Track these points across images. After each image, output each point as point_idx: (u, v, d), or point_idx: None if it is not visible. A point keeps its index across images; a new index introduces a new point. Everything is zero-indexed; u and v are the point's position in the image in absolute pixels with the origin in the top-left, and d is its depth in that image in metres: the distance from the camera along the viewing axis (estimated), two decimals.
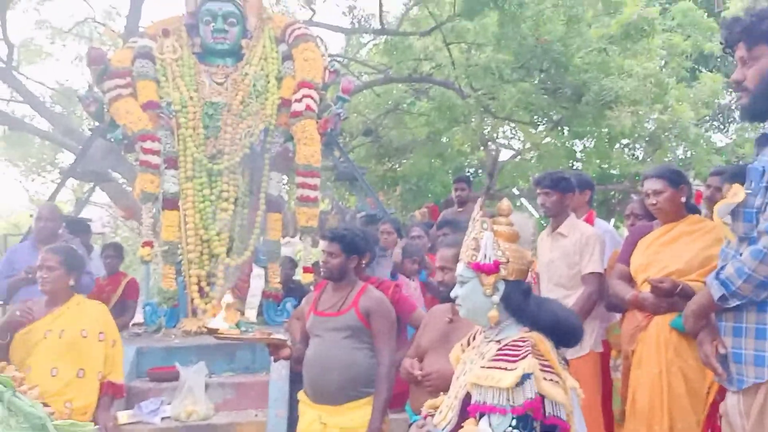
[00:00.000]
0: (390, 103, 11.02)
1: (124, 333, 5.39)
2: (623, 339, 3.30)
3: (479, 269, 1.97)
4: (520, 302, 1.95)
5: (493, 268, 1.95)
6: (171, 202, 5.39)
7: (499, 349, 1.91)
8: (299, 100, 5.60)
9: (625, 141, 11.06)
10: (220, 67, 5.81)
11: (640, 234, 3.41)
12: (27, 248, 5.01)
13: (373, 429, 3.20)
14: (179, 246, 5.38)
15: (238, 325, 4.71)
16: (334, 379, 3.29)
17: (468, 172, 12.51)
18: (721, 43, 2.40)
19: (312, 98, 5.63)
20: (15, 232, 16.44)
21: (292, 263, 6.86)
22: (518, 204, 13.79)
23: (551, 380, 1.80)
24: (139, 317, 6.04)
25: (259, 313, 6.25)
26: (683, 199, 3.25)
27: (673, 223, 3.25)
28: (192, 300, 5.36)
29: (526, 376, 1.77)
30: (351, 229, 3.74)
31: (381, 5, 9.30)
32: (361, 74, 11.58)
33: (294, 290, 6.33)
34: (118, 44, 5.87)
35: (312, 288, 5.97)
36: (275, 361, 3.78)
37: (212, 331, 3.39)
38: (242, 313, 5.78)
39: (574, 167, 11.36)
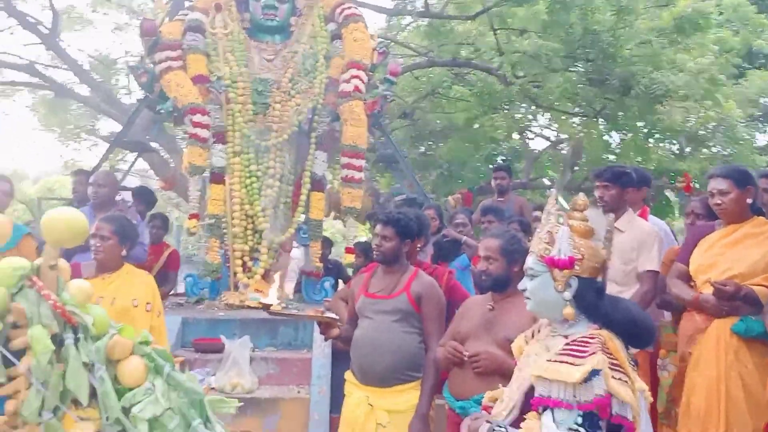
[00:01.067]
0: (429, 87, 10.93)
1: (166, 303, 5.47)
2: (680, 340, 3.26)
3: (553, 264, 1.94)
4: (593, 300, 1.92)
5: (568, 264, 1.92)
6: (218, 176, 5.43)
7: (567, 344, 1.89)
8: (348, 81, 5.58)
9: (664, 135, 10.85)
10: (270, 43, 5.82)
11: (701, 234, 3.36)
12: (86, 214, 5.06)
13: (421, 413, 3.21)
14: (224, 220, 5.42)
15: (280, 302, 4.79)
16: (383, 361, 3.30)
17: (501, 159, 12.41)
18: None
19: (360, 79, 5.61)
20: (49, 196, 16.76)
21: (328, 243, 6.89)
22: (546, 194, 13.70)
23: (619, 379, 1.77)
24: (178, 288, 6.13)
25: (297, 291, 6.31)
26: (749, 201, 3.19)
27: (738, 224, 3.19)
28: (234, 274, 5.41)
29: (594, 373, 1.76)
30: (405, 212, 3.73)
31: None
32: (399, 56, 11.50)
33: (331, 270, 6.37)
34: (159, 14, 5.83)
35: (352, 269, 6.02)
36: (326, 339, 3.81)
37: (266, 307, 3.42)
38: (283, 290, 5.83)
39: (609, 160, 11.22)
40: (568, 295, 1.91)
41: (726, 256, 3.14)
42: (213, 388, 4.24)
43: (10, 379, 1.54)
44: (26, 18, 10.11)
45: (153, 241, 5.80)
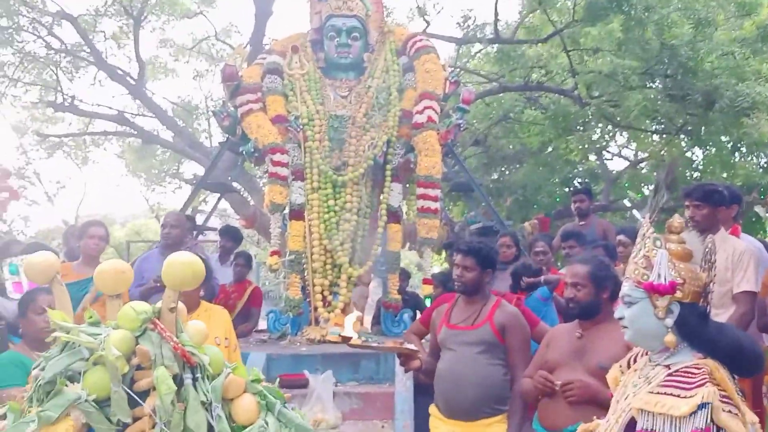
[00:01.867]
0: (500, 112, 10.87)
1: (250, 339, 5.60)
2: None
3: (653, 290, 1.85)
4: (697, 327, 1.82)
5: (669, 289, 1.83)
6: (297, 213, 5.54)
7: (670, 375, 1.80)
8: (421, 112, 5.62)
9: (751, 149, 10.32)
10: (344, 80, 5.96)
11: None
12: (155, 256, 5.26)
13: None
14: (304, 255, 5.52)
15: (360, 336, 4.80)
16: (469, 394, 3.25)
17: (577, 182, 12.12)
18: None
19: (433, 109, 5.65)
20: (136, 239, 17.61)
21: (405, 274, 6.88)
22: (627, 216, 13.23)
23: (729, 411, 1.67)
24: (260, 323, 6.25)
25: (375, 323, 6.31)
26: None
27: None
28: (315, 308, 5.48)
29: (702, 406, 1.66)
30: (483, 241, 3.69)
31: (497, 13, 9.21)
32: (469, 83, 11.52)
33: (408, 301, 6.35)
34: (239, 59, 6.07)
35: (430, 300, 5.97)
36: (406, 371, 3.78)
37: (345, 340, 3.44)
38: (361, 323, 5.85)
39: (693, 177, 10.76)
40: (669, 321, 1.82)
41: None
42: None
43: (135, 419, 1.60)
44: (115, 71, 10.79)
45: (237, 278, 5.97)
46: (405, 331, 5.01)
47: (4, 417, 1.59)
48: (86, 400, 1.55)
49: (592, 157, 12.43)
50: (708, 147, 10.14)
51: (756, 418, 1.75)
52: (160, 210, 17.90)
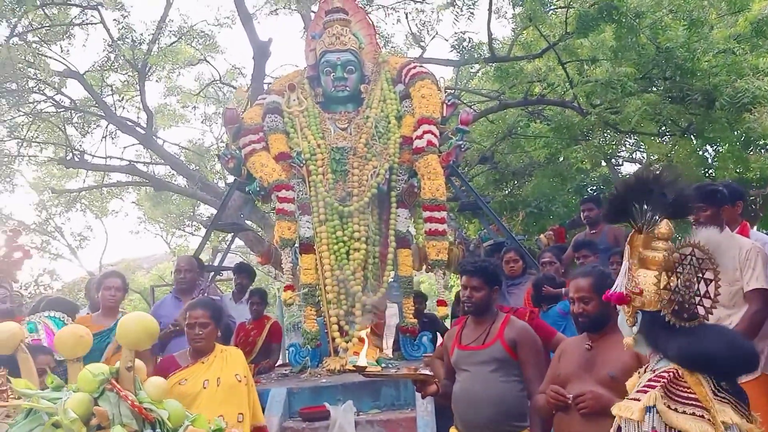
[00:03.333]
0: (504, 128, 10.93)
1: (272, 375, 5.65)
2: None
3: (607, 299, 1.98)
4: (653, 333, 1.88)
5: (617, 299, 1.93)
6: (307, 246, 5.63)
7: (649, 380, 1.87)
8: (420, 137, 5.72)
9: (761, 142, 10.25)
10: (342, 113, 6.08)
11: None
12: (169, 301, 5.39)
13: None
14: (317, 287, 5.59)
15: (378, 362, 4.82)
16: (485, 414, 3.27)
17: (590, 190, 12.10)
18: None
19: (432, 133, 5.74)
20: (160, 283, 17.81)
21: (421, 297, 6.90)
22: None
23: (690, 414, 1.73)
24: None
25: (396, 349, 6.33)
26: None
27: None
28: (333, 339, 5.52)
29: (648, 409, 1.76)
30: (487, 259, 3.73)
31: (490, 34, 9.33)
32: (472, 103, 11.62)
33: (426, 324, 6.36)
34: (241, 101, 6.24)
35: (446, 321, 5.99)
36: (423, 397, 3.80)
37: (359, 369, 3.46)
38: (381, 350, 5.87)
39: (708, 174, 10.68)
40: (635, 329, 1.90)
41: None
42: None
43: None
44: (125, 123, 11.05)
45: (254, 316, 6.04)
46: (427, 355, 5.03)
47: None
48: None
49: (604, 164, 12.40)
50: (718, 144, 10.08)
51: (738, 419, 1.77)
52: (180, 252, 18.13)
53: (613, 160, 12.86)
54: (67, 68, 10.17)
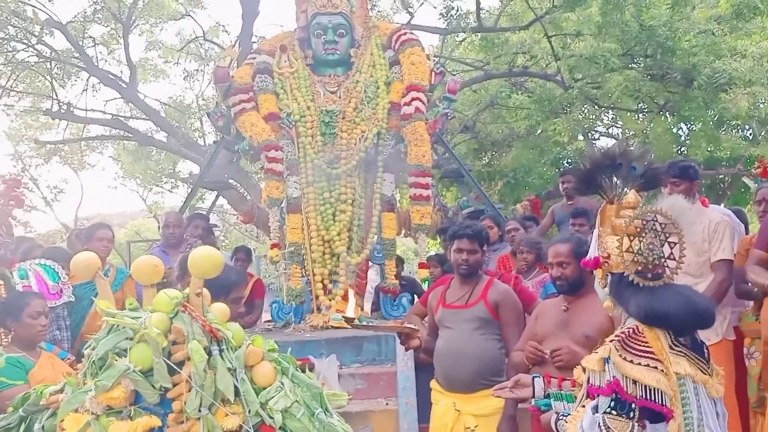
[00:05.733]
0: (487, 98, 11.05)
1: (256, 329, 5.80)
2: (763, 325, 3.27)
3: (584, 265, 2.12)
4: (618, 293, 2.01)
5: (592, 264, 2.07)
6: (294, 206, 5.75)
7: (614, 335, 2.01)
8: (408, 103, 5.82)
9: (733, 123, 10.54)
10: (332, 76, 6.13)
11: None
12: (157, 254, 5.46)
13: (508, 415, 3.35)
14: (303, 247, 5.73)
15: (359, 320, 5.00)
16: (467, 368, 3.46)
17: (566, 162, 12.33)
18: None
19: (420, 100, 5.84)
20: (136, 239, 17.76)
21: (400, 261, 7.08)
22: None
23: (645, 365, 1.85)
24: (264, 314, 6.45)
25: (376, 309, 6.53)
26: None
27: None
28: (317, 297, 5.69)
29: (605, 360, 1.89)
30: (479, 224, 3.91)
31: (478, 3, 9.38)
32: (456, 72, 11.69)
33: (405, 286, 6.55)
34: (227, 61, 6.25)
35: (428, 282, 6.18)
36: (406, 350, 3.99)
37: (349, 321, 3.63)
38: (362, 308, 6.07)
39: (681, 152, 10.97)
40: (607, 290, 2.05)
41: None
42: None
43: (174, 384, 1.92)
44: (107, 75, 10.91)
45: None
46: (406, 313, 5.22)
47: (61, 391, 1.84)
48: (133, 371, 1.86)
49: (580, 138, 12.63)
50: (693, 123, 10.34)
51: (691, 370, 1.92)
52: (158, 209, 18.06)
53: (590, 134, 13.11)
54: (49, 18, 9.98)
